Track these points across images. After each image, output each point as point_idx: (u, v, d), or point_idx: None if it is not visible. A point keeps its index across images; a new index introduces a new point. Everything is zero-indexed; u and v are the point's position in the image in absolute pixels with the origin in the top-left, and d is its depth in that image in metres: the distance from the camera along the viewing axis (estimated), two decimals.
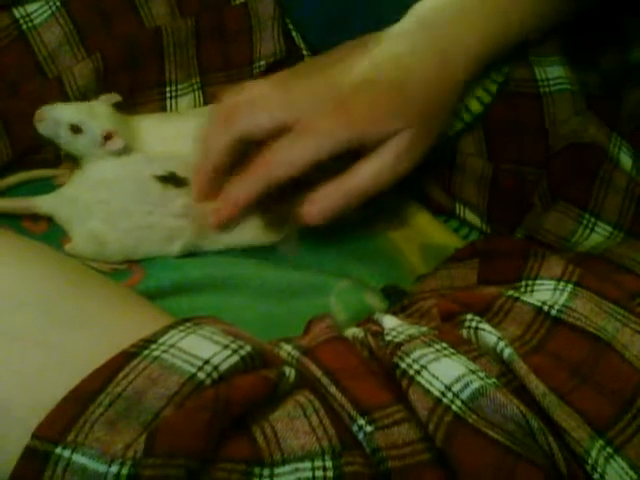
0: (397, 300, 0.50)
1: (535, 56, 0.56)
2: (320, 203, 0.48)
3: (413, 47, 0.49)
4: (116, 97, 0.53)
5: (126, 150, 0.51)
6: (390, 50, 0.49)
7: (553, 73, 0.55)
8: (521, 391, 0.33)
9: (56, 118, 0.50)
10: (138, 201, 0.50)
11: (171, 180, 0.50)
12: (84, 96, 0.55)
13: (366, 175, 0.48)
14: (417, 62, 0.49)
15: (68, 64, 0.54)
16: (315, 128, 0.47)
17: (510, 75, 0.55)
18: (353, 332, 0.39)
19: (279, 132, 0.46)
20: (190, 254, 0.52)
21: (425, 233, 0.62)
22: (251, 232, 0.53)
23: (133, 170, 0.51)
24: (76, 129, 0.50)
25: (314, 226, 0.48)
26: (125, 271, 0.50)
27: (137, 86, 0.57)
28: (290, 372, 0.35)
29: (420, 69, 0.48)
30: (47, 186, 0.53)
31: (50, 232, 0.51)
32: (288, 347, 0.37)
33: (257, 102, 0.48)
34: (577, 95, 0.55)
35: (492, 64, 0.55)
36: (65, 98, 0.54)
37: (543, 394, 0.33)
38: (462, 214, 0.60)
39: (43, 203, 0.51)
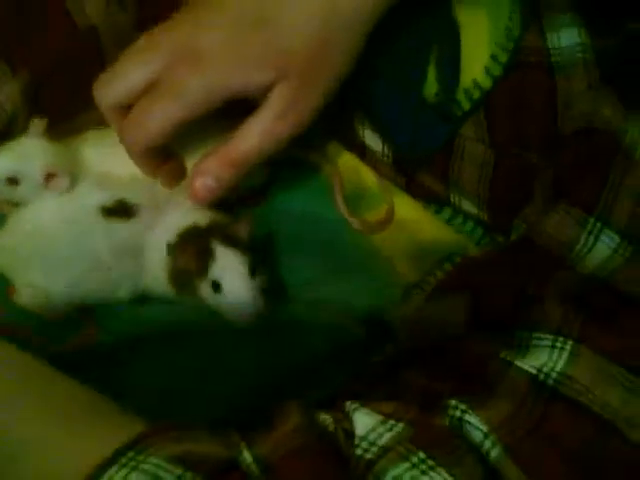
0: (377, 336, 0.47)
1: (547, 11, 0.49)
2: (203, 177, 0.44)
3: None
4: (44, 122, 0.46)
5: (72, 185, 0.46)
6: None
7: (568, 40, 0.49)
8: None
9: None
10: (77, 246, 0.45)
11: (119, 211, 0.45)
12: (15, 122, 0.49)
13: (248, 139, 0.44)
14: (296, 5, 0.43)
15: None
16: (172, 83, 0.42)
17: (520, 43, 0.49)
18: (323, 419, 0.35)
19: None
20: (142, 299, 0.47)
21: (413, 227, 0.57)
22: None
23: (72, 209, 0.46)
24: (13, 181, 0.45)
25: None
26: (76, 320, 0.46)
27: (77, 100, 0.50)
28: None
29: (298, 12, 0.43)
30: None
31: None
32: (248, 457, 0.33)
33: (121, 66, 0.44)
34: (591, 65, 0.48)
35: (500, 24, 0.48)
36: None
37: None
38: (457, 202, 0.56)
39: None
